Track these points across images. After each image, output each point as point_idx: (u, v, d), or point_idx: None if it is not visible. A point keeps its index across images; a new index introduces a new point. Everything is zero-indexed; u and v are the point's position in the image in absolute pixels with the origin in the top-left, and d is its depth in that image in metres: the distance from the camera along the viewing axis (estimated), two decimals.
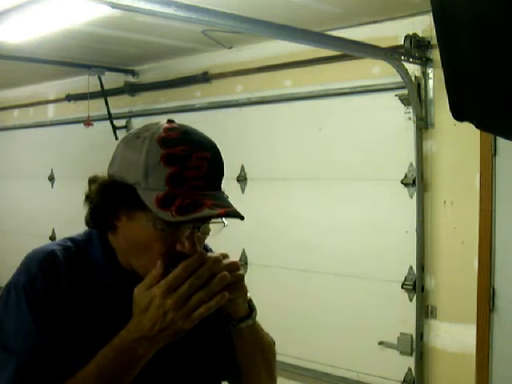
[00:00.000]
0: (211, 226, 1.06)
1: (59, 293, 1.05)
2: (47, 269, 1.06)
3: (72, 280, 1.07)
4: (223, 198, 1.04)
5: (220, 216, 1.00)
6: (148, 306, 0.99)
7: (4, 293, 1.07)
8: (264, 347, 1.22)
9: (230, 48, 3.58)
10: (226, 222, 1.05)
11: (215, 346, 1.20)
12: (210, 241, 1.13)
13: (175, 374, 1.14)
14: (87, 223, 1.11)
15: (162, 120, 1.07)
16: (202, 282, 0.99)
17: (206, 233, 1.07)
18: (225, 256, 1.06)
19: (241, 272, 1.08)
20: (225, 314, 1.12)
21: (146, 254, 1.04)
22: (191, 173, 1.00)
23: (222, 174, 1.07)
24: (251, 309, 1.16)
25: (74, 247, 1.11)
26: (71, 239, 1.14)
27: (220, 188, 1.06)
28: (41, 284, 1.04)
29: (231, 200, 1.05)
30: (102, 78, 4.07)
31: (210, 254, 1.05)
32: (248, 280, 1.11)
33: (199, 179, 1.01)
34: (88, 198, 1.08)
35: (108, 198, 1.04)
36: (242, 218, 1.00)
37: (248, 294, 1.13)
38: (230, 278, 1.01)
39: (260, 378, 1.24)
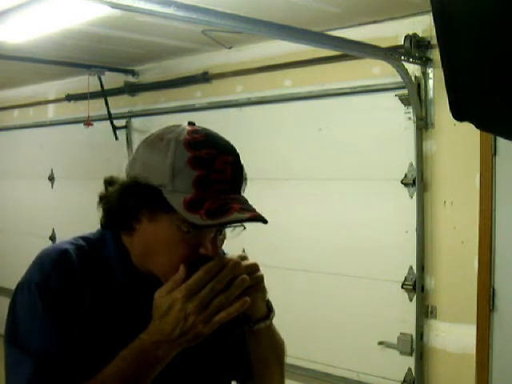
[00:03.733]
0: (231, 228, 1.06)
1: (73, 292, 1.04)
2: (61, 267, 1.05)
3: (85, 279, 1.06)
4: (247, 201, 1.04)
5: (249, 220, 1.00)
6: (169, 310, 0.99)
7: (17, 292, 1.06)
8: (278, 347, 1.23)
9: (230, 48, 3.58)
10: (245, 226, 1.05)
11: (229, 345, 1.20)
12: None
13: (191, 373, 1.14)
14: (102, 224, 1.11)
15: (183, 122, 1.07)
16: (223, 285, 0.99)
17: (226, 236, 1.08)
18: (243, 258, 1.06)
19: (260, 273, 1.09)
20: (242, 314, 1.11)
21: (166, 256, 1.04)
22: (217, 176, 1.00)
23: (243, 178, 1.08)
24: (269, 309, 1.16)
25: (87, 246, 1.11)
26: (84, 238, 1.13)
27: (241, 191, 1.06)
28: (55, 283, 1.04)
29: None
30: (102, 78, 4.07)
31: (229, 256, 1.06)
32: None
33: (224, 183, 1.01)
34: (103, 198, 1.08)
35: (130, 200, 1.03)
36: (265, 221, 1.00)
37: (266, 295, 1.14)
38: (249, 280, 1.02)
39: (273, 377, 1.24)
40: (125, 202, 1.04)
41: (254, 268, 1.07)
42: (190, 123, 1.07)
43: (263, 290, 1.11)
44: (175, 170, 0.99)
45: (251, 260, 1.08)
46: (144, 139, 1.08)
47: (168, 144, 1.01)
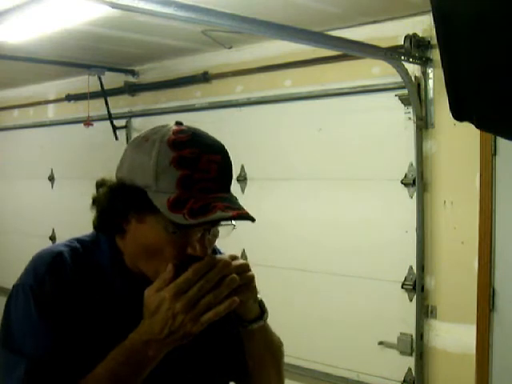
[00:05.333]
0: (221, 228, 1.06)
1: (67, 294, 1.05)
2: (55, 270, 1.06)
3: (80, 282, 1.07)
4: (233, 200, 1.04)
5: (232, 218, 1.00)
6: (157, 309, 0.99)
7: (12, 294, 1.07)
8: (273, 348, 1.23)
9: (230, 48, 3.58)
10: (235, 224, 1.05)
11: (224, 346, 1.20)
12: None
13: (184, 373, 1.14)
14: (95, 226, 1.11)
15: (170, 122, 1.07)
16: (212, 285, 0.99)
17: (216, 235, 1.07)
18: (234, 258, 1.06)
19: (251, 273, 1.08)
20: (234, 315, 1.12)
21: (155, 256, 1.04)
22: (201, 175, 1.00)
23: (231, 177, 1.08)
24: (262, 310, 1.16)
25: (81, 248, 1.11)
26: (78, 240, 1.14)
27: (229, 190, 1.06)
28: (49, 286, 1.04)
29: None
30: (102, 77, 4.07)
31: (219, 256, 1.06)
32: None
33: (209, 182, 1.01)
34: (96, 201, 1.08)
35: (117, 202, 1.04)
36: (253, 220, 1.00)
37: (259, 295, 1.14)
38: (239, 280, 1.02)
39: (269, 378, 1.24)
40: (113, 204, 1.04)
41: (245, 268, 1.07)
42: (178, 123, 1.07)
43: (254, 290, 1.10)
44: (159, 170, 0.99)
45: (242, 260, 1.08)
46: (131, 140, 1.09)
47: (153, 144, 1.01)
